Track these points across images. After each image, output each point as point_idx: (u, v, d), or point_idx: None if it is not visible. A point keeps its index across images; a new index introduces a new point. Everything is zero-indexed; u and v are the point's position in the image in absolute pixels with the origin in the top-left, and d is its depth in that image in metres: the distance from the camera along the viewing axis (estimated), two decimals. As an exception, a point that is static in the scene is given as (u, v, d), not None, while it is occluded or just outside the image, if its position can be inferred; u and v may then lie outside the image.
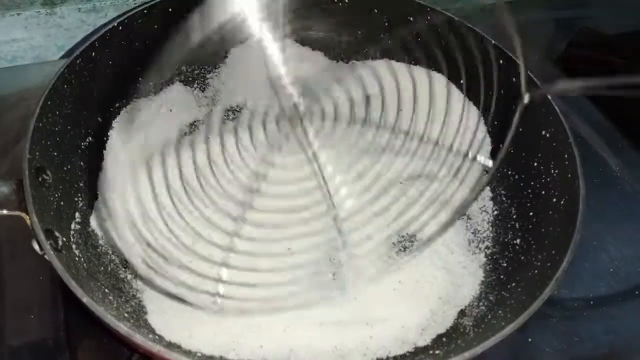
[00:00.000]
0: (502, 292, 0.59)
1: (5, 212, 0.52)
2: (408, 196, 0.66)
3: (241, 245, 0.59)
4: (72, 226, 0.60)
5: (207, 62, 0.79)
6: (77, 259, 0.56)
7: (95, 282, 0.56)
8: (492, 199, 0.69)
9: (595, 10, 1.07)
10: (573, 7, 1.07)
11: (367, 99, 0.76)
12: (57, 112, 0.61)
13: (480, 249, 0.64)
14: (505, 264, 0.63)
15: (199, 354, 0.53)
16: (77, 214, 0.61)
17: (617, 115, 0.86)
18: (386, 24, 0.79)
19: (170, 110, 0.72)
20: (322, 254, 0.61)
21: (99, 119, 0.69)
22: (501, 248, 0.64)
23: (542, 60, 0.97)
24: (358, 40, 0.81)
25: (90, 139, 0.67)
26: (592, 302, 0.67)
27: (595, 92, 0.51)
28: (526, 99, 0.55)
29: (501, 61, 0.71)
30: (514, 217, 0.66)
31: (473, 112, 0.75)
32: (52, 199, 0.58)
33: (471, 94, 0.76)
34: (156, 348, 0.47)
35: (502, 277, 0.62)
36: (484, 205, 0.68)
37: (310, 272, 0.60)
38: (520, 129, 0.70)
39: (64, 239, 0.56)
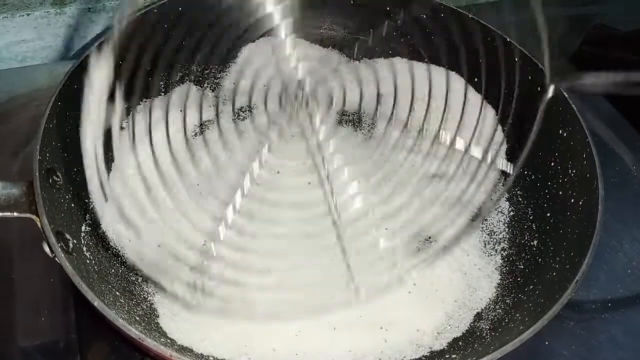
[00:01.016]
0: (520, 295, 0.58)
1: (15, 214, 0.52)
2: (422, 197, 0.65)
3: (228, 235, 0.58)
4: (83, 228, 0.59)
5: (217, 61, 0.78)
6: (87, 261, 0.56)
7: (106, 285, 0.55)
8: (508, 199, 0.67)
9: (608, 7, 1.05)
10: (586, 4, 1.05)
11: (379, 97, 0.75)
12: (68, 113, 0.61)
13: (496, 250, 0.63)
14: (522, 266, 0.62)
15: (211, 358, 0.53)
16: (87, 216, 0.61)
17: (635, 114, 0.85)
18: (400, 21, 0.78)
19: (181, 111, 0.71)
20: (322, 257, 0.60)
21: (109, 119, 0.68)
22: (518, 250, 0.63)
23: (556, 57, 0.95)
24: (371, 38, 0.80)
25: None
26: (609, 305, 0.66)
27: (619, 89, 0.49)
28: (551, 91, 0.53)
29: (517, 59, 0.70)
30: (531, 218, 0.65)
31: (490, 112, 0.73)
32: (62, 200, 0.57)
33: (488, 93, 0.75)
34: (168, 352, 0.46)
35: (519, 279, 0.60)
36: (500, 206, 0.67)
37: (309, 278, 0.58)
38: (537, 128, 0.69)
39: (75, 241, 0.55)
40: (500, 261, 0.63)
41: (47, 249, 0.51)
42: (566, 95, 0.65)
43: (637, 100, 0.85)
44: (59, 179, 0.57)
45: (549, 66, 0.55)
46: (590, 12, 1.04)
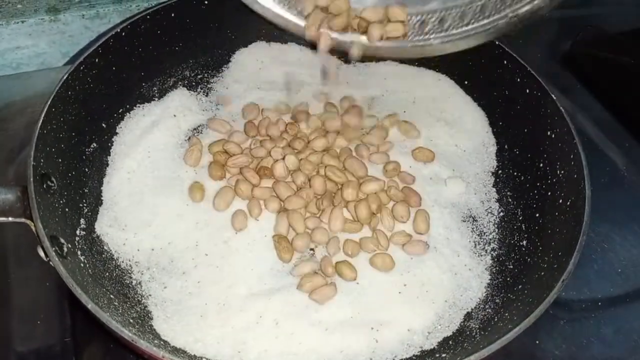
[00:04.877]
0: (509, 295, 0.59)
1: (10, 219, 0.52)
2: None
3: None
4: (77, 232, 0.60)
5: (210, 66, 0.79)
6: (82, 265, 0.56)
7: (100, 288, 0.56)
8: (498, 200, 0.68)
9: (598, 9, 1.06)
10: (577, 6, 1.06)
11: (372, 100, 0.76)
12: (62, 119, 0.62)
13: (486, 251, 0.64)
14: (511, 266, 0.62)
15: (204, 359, 0.53)
16: (82, 220, 0.62)
17: (624, 114, 0.85)
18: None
19: (174, 115, 0.72)
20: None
21: (103, 124, 0.69)
22: (507, 250, 0.64)
23: (547, 59, 0.96)
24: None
25: (95, 145, 0.67)
26: (600, 304, 0.66)
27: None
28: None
29: (505, 61, 0.71)
30: (520, 218, 0.66)
31: (478, 113, 0.74)
32: (57, 205, 0.58)
33: (478, 96, 0.76)
34: (161, 353, 0.47)
35: (508, 279, 0.61)
36: (490, 207, 0.67)
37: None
38: (526, 130, 0.70)
39: (69, 246, 0.56)
40: (490, 261, 0.63)
41: (41, 253, 0.52)
42: (554, 97, 0.66)
43: (627, 101, 0.86)
44: (53, 184, 0.58)
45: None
46: (580, 14, 1.04)
